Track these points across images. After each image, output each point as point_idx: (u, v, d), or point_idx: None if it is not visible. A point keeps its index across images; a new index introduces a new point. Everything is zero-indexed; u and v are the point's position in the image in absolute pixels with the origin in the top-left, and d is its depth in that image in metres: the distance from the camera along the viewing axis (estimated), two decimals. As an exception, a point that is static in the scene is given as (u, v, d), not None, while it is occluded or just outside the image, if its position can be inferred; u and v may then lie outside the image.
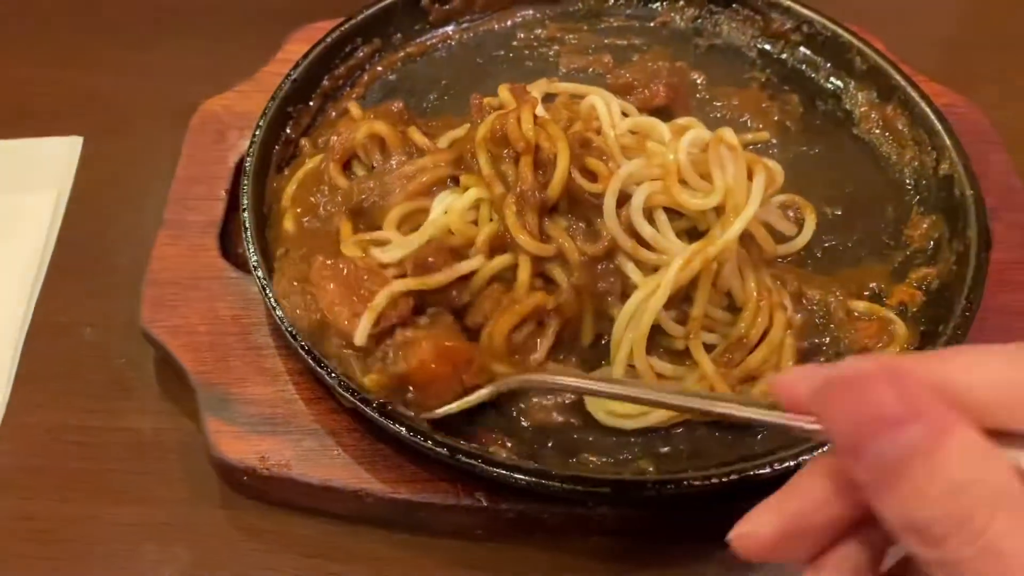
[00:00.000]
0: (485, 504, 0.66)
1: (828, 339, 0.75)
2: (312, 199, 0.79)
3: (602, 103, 0.76)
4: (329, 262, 0.68)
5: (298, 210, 0.79)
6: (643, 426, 0.70)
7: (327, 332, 0.67)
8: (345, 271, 0.67)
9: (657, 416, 0.70)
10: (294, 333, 0.69)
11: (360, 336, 0.65)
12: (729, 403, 0.52)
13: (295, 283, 0.70)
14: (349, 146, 0.81)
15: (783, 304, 0.74)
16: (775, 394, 0.43)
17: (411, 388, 0.65)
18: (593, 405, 0.71)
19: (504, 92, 0.79)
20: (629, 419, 0.70)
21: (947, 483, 0.35)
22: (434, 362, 0.64)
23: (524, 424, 0.71)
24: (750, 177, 0.71)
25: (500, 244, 0.71)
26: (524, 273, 0.71)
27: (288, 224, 0.78)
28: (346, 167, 0.82)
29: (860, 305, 0.76)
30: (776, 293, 0.74)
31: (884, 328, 0.75)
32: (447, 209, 0.73)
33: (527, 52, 0.98)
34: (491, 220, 0.72)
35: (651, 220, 0.71)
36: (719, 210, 0.71)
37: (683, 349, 0.73)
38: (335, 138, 0.81)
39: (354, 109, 0.86)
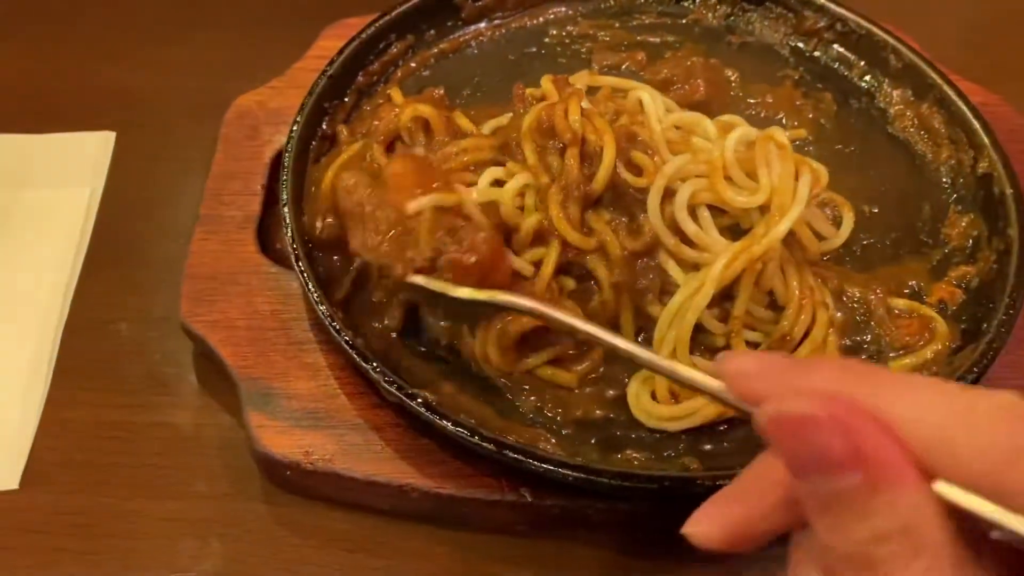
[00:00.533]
0: (530, 500, 0.66)
1: (869, 336, 0.75)
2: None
3: (648, 97, 0.76)
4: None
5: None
6: (687, 427, 0.69)
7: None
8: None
9: (701, 417, 0.69)
10: (338, 327, 0.69)
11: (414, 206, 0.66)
12: (675, 365, 0.51)
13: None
14: (393, 128, 0.81)
15: (825, 303, 0.73)
16: (723, 374, 0.43)
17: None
18: (636, 407, 0.71)
19: (547, 83, 0.79)
20: (673, 421, 0.70)
21: (870, 531, 0.36)
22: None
23: (564, 419, 0.71)
24: (796, 177, 0.71)
25: (540, 235, 0.71)
26: (548, 268, 0.71)
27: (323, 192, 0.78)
28: (389, 150, 0.82)
29: (901, 303, 0.76)
30: (818, 292, 0.74)
31: (925, 326, 0.75)
32: (497, 181, 0.73)
33: (559, 49, 0.98)
34: (536, 210, 0.71)
35: (694, 217, 0.71)
36: (763, 209, 0.71)
37: (724, 346, 0.73)
38: (377, 123, 0.81)
39: (395, 94, 0.87)
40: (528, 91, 0.82)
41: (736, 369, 0.42)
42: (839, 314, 0.75)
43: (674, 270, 0.72)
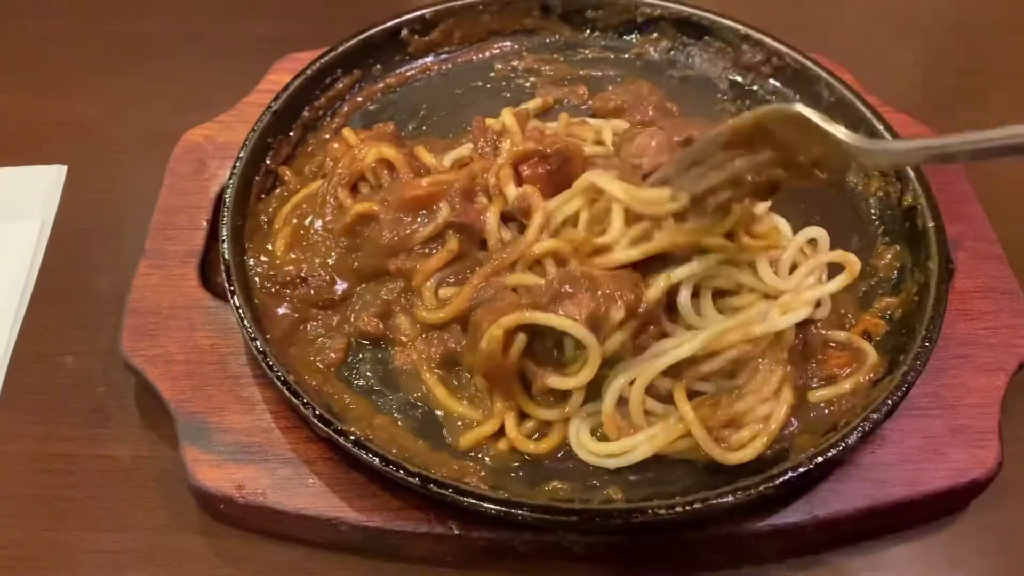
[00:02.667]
0: (457, 532, 0.68)
1: (810, 367, 0.77)
2: (306, 222, 0.82)
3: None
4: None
5: (289, 232, 0.82)
6: (625, 464, 0.71)
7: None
8: None
9: (640, 453, 0.71)
10: (271, 363, 0.71)
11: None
12: None
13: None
14: (357, 170, 0.83)
15: (784, 359, 0.75)
16: None
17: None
18: (576, 443, 0.72)
19: (508, 116, 0.82)
20: (612, 458, 0.71)
21: None
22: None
23: (491, 453, 0.73)
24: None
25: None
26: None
27: (278, 245, 0.81)
28: (352, 190, 0.84)
29: (840, 335, 0.78)
30: (781, 350, 0.75)
31: (855, 357, 0.77)
32: None
33: (504, 83, 1.01)
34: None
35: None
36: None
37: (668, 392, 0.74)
38: (331, 163, 0.84)
39: (349, 135, 0.88)
40: (489, 121, 0.85)
41: None
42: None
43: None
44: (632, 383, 0.72)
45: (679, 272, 0.73)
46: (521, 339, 0.70)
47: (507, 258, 0.76)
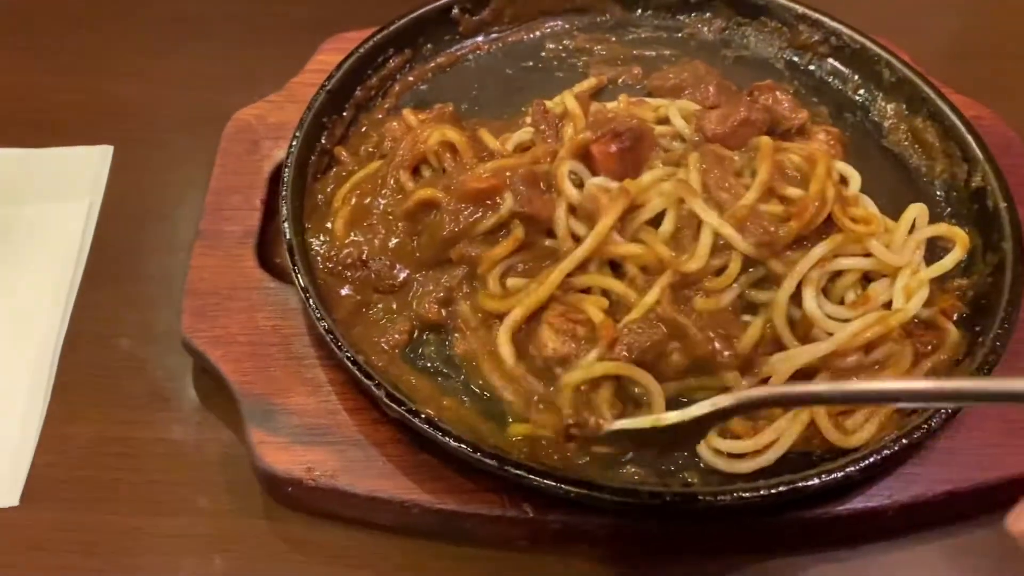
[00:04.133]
0: (531, 515, 0.67)
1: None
2: (365, 202, 0.80)
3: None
4: None
5: (348, 212, 0.81)
6: (762, 465, 0.69)
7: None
8: None
9: (780, 448, 0.69)
10: (340, 343, 0.69)
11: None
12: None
13: None
14: (420, 152, 0.81)
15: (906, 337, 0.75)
16: None
17: None
18: (704, 446, 0.70)
19: (570, 99, 0.82)
20: (742, 461, 0.69)
21: None
22: None
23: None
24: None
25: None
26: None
27: (338, 224, 0.79)
28: (414, 173, 0.83)
29: (924, 313, 0.76)
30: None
31: (936, 336, 0.76)
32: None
33: (555, 63, 0.99)
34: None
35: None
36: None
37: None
38: (391, 143, 0.83)
39: (409, 116, 0.87)
40: (549, 104, 0.84)
41: None
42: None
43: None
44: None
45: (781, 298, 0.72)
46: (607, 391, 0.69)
47: (578, 255, 0.73)
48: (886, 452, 0.65)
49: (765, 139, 0.78)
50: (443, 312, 0.77)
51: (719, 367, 0.70)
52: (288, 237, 0.76)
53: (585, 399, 0.69)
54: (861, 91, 0.96)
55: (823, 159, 0.76)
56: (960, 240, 0.77)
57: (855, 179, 0.80)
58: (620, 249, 0.73)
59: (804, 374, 0.72)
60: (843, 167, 0.81)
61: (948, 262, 0.76)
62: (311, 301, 0.72)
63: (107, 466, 0.74)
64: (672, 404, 0.70)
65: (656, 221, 0.75)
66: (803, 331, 0.73)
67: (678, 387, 0.72)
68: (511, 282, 0.76)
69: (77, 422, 0.76)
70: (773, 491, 0.63)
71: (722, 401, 0.56)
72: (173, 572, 0.70)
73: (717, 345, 0.69)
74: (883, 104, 0.94)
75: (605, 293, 0.74)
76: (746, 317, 0.73)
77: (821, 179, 0.74)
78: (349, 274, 0.78)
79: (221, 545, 0.71)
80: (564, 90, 0.90)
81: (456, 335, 0.76)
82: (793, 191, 0.74)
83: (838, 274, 0.74)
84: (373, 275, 0.78)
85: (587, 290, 0.75)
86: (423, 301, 0.77)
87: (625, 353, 0.69)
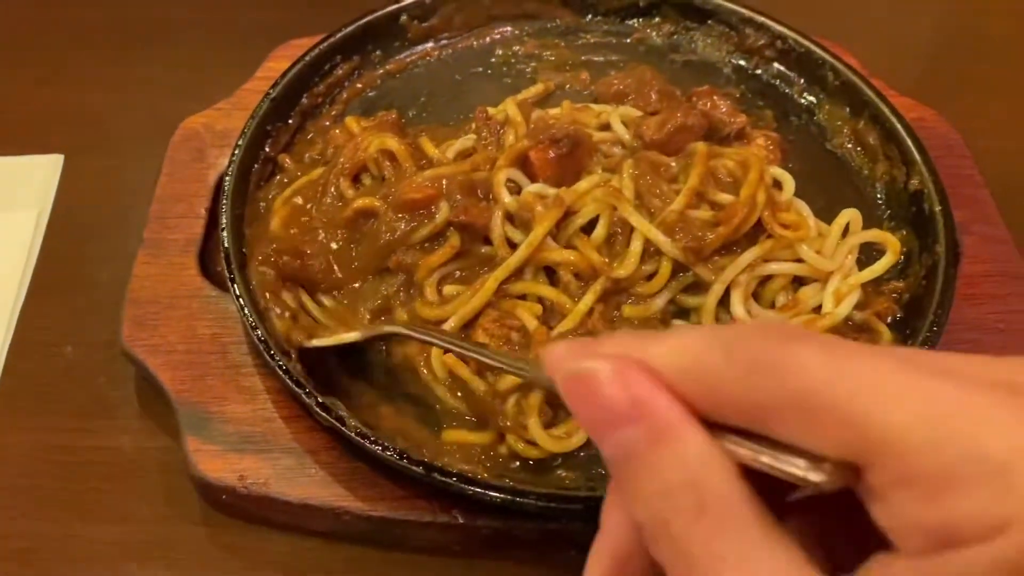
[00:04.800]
0: (461, 521, 0.67)
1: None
2: (306, 207, 0.81)
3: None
4: None
5: (287, 212, 0.81)
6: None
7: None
8: None
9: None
10: (272, 352, 0.70)
11: None
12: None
13: None
14: (359, 160, 0.82)
15: None
16: (544, 359, 0.42)
17: None
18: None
19: (511, 106, 0.82)
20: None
21: (660, 484, 0.36)
22: None
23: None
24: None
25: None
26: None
27: (275, 224, 0.80)
28: (354, 181, 0.83)
29: (858, 315, 0.77)
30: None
31: (870, 340, 0.76)
32: None
33: (505, 68, 1.00)
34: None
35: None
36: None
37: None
38: (333, 151, 0.84)
39: (351, 123, 0.88)
40: (492, 111, 0.84)
41: (550, 352, 0.41)
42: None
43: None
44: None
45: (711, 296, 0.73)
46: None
47: (512, 263, 0.74)
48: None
49: (700, 145, 0.78)
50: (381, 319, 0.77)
51: None
52: (226, 245, 0.77)
53: (516, 404, 0.70)
54: (806, 94, 0.96)
55: (756, 164, 0.76)
56: (892, 246, 0.77)
57: (789, 184, 0.81)
58: (553, 255, 0.74)
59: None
60: (777, 172, 0.81)
61: (879, 267, 0.77)
62: (246, 309, 0.72)
63: (47, 475, 0.75)
64: None
65: (591, 228, 0.76)
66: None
67: None
68: (448, 289, 0.76)
69: (18, 431, 0.77)
70: (696, 495, 0.64)
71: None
72: (111, 580, 0.71)
73: None
74: (828, 107, 0.95)
75: (540, 300, 0.75)
76: (677, 322, 0.74)
77: (752, 184, 0.75)
78: (288, 260, 0.77)
79: (159, 552, 0.71)
80: (512, 96, 0.91)
81: (393, 343, 0.77)
82: (724, 197, 0.75)
83: (769, 278, 0.75)
84: (315, 272, 0.78)
85: (523, 296, 0.75)
86: (359, 309, 0.77)
87: None
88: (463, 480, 0.64)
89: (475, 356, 0.65)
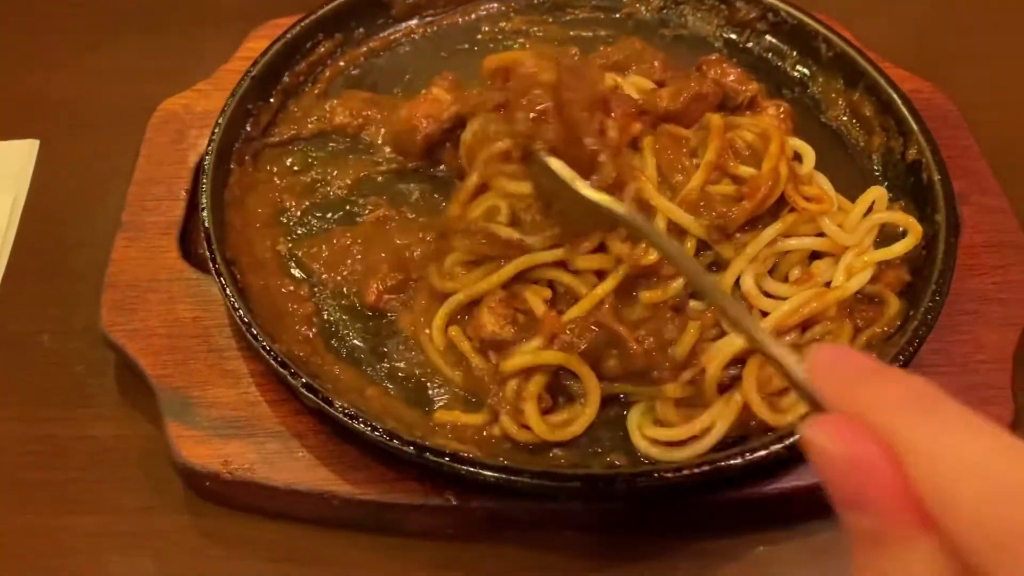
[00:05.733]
0: (455, 503, 0.65)
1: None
2: None
3: None
4: None
5: None
6: (692, 456, 0.66)
7: None
8: None
9: (718, 432, 0.67)
10: (256, 333, 0.68)
11: None
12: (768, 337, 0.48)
13: None
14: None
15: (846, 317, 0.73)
16: (810, 361, 0.41)
17: None
18: (635, 433, 0.69)
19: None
20: (679, 450, 0.67)
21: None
22: None
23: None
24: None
25: None
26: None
27: None
28: None
29: (868, 288, 0.75)
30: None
31: (879, 309, 0.75)
32: None
33: (492, 45, 0.97)
34: None
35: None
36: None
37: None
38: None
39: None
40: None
41: (817, 359, 0.41)
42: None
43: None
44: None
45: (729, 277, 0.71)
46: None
47: (538, 259, 0.71)
48: (812, 429, 0.64)
49: (715, 118, 0.76)
50: (385, 297, 0.75)
51: (656, 380, 0.69)
52: (206, 225, 0.74)
53: (515, 388, 0.68)
54: (799, 67, 0.95)
55: (776, 136, 0.74)
56: (914, 230, 0.75)
57: (809, 156, 0.78)
58: (582, 262, 0.71)
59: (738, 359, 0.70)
60: (798, 144, 0.79)
61: (898, 248, 0.74)
62: (228, 290, 0.70)
63: (27, 466, 0.73)
64: (609, 402, 0.70)
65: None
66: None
67: (616, 387, 0.71)
68: (460, 269, 0.74)
69: (-4, 421, 0.75)
70: (696, 471, 0.62)
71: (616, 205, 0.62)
72: (96, 571, 0.68)
73: (652, 361, 0.68)
74: (821, 80, 0.93)
75: (550, 283, 0.73)
76: (694, 303, 0.72)
77: (774, 157, 0.72)
78: None
79: (143, 541, 0.69)
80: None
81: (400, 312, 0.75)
82: (745, 170, 0.73)
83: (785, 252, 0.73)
84: None
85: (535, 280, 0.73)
86: (367, 280, 0.76)
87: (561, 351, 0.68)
88: (456, 459, 0.62)
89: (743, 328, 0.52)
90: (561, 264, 0.72)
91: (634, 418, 0.69)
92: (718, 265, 0.73)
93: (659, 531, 0.69)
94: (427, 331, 0.73)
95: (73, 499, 0.71)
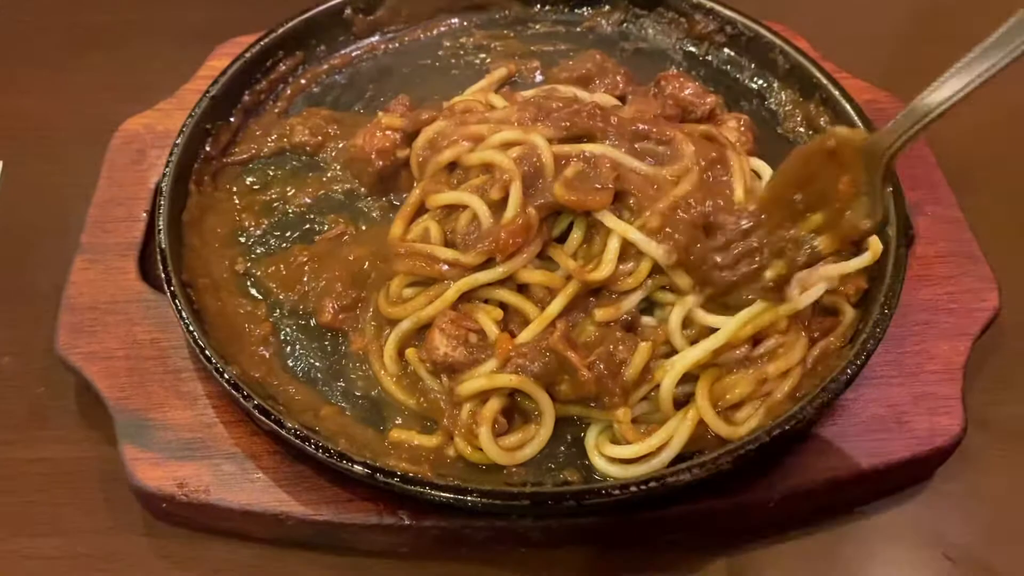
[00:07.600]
0: (408, 522, 0.66)
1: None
2: None
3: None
4: None
5: None
6: (649, 472, 0.67)
7: None
8: None
9: (673, 450, 0.67)
10: (209, 355, 0.68)
11: None
12: None
13: None
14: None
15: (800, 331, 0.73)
16: None
17: None
18: (593, 452, 0.69)
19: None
20: (636, 466, 0.67)
21: None
22: None
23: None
24: None
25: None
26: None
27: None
28: None
29: (826, 299, 0.75)
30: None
31: (835, 321, 0.75)
32: None
33: (454, 61, 0.98)
34: None
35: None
36: None
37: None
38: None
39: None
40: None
41: None
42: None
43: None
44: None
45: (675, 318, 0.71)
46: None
47: (481, 279, 0.72)
48: (758, 443, 0.64)
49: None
50: (339, 316, 0.76)
51: (607, 406, 0.69)
52: (163, 247, 0.75)
53: (471, 412, 0.68)
54: (757, 79, 0.95)
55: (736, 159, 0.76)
56: (873, 248, 0.75)
57: (766, 174, 0.79)
58: (525, 276, 0.72)
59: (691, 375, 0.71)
60: (756, 163, 0.80)
61: (853, 264, 0.75)
62: (183, 312, 0.70)
63: (-16, 489, 0.73)
64: (564, 420, 0.70)
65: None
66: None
67: (571, 409, 0.71)
68: (406, 292, 0.75)
69: (-47, 445, 0.75)
70: (644, 486, 0.62)
71: None
72: (53, 595, 0.69)
73: (603, 387, 0.68)
74: (778, 91, 0.94)
75: (502, 304, 0.73)
76: (646, 319, 0.72)
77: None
78: None
79: (100, 564, 0.70)
80: (462, 88, 0.90)
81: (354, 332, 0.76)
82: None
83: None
84: None
85: (485, 299, 0.73)
86: (321, 299, 0.76)
87: (516, 374, 0.69)
88: (406, 480, 0.63)
89: None
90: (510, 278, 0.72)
91: (591, 438, 0.70)
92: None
93: (613, 545, 0.70)
94: (380, 359, 0.73)
95: (29, 521, 0.71)
